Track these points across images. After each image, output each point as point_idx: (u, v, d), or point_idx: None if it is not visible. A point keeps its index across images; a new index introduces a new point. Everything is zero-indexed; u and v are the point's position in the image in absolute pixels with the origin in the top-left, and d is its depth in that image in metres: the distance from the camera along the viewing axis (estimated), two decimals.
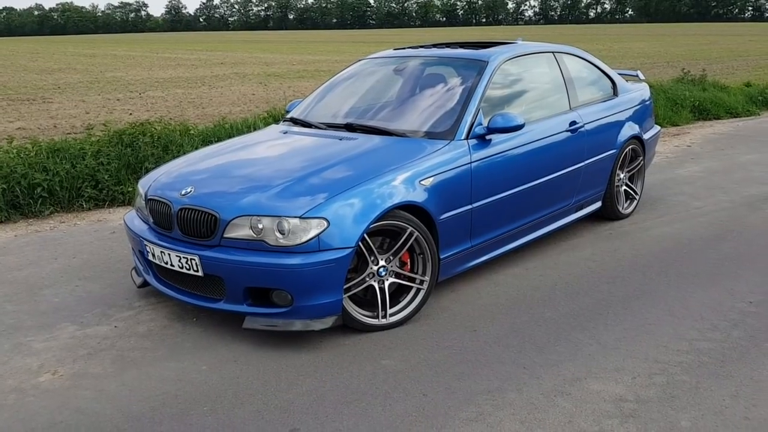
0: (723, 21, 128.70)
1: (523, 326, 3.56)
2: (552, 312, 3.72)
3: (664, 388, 2.94)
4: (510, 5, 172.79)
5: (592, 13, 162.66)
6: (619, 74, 5.67)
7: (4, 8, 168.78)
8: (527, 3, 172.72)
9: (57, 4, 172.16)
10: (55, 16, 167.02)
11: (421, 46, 5.04)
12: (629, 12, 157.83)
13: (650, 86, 11.18)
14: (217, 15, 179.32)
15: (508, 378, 3.04)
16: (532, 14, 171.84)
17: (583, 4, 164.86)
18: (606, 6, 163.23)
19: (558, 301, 3.87)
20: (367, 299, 3.53)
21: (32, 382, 3.09)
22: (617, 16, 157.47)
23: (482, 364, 3.16)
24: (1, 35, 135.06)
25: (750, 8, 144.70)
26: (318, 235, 3.21)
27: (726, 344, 3.33)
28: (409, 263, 3.63)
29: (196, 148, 6.46)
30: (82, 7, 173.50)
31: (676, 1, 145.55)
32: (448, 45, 4.98)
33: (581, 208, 4.96)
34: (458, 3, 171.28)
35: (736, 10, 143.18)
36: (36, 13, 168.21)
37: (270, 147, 4.25)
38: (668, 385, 2.96)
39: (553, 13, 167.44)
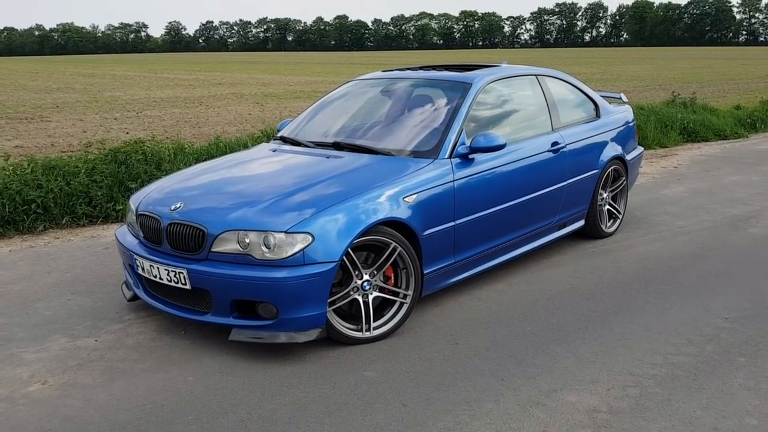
0: (717, 45, 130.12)
1: (503, 340, 3.65)
2: (532, 326, 3.82)
3: (637, 400, 3.02)
4: (506, 29, 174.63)
5: (587, 37, 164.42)
6: (603, 97, 5.81)
7: (5, 28, 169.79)
8: (523, 26, 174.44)
9: (57, 25, 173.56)
10: (56, 36, 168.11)
11: (409, 68, 5.19)
12: (624, 36, 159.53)
13: (641, 108, 11.45)
14: (216, 36, 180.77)
15: (486, 389, 3.13)
16: (528, 38, 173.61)
17: (578, 28, 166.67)
18: (601, 30, 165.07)
19: (538, 315, 3.97)
20: (351, 313, 3.62)
21: (22, 391, 3.17)
22: (612, 40, 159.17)
23: (461, 376, 3.25)
24: (2, 55, 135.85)
25: (744, 32, 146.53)
26: (303, 249, 3.32)
27: (699, 358, 3.42)
28: (393, 278, 3.73)
29: (189, 166, 6.58)
30: (83, 28, 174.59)
31: (670, 25, 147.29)
32: (435, 67, 5.12)
33: (564, 226, 5.07)
34: (455, 26, 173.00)
35: (731, 35, 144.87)
36: (36, 33, 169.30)
37: (259, 165, 4.37)
38: (641, 397, 3.05)
39: (548, 36, 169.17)
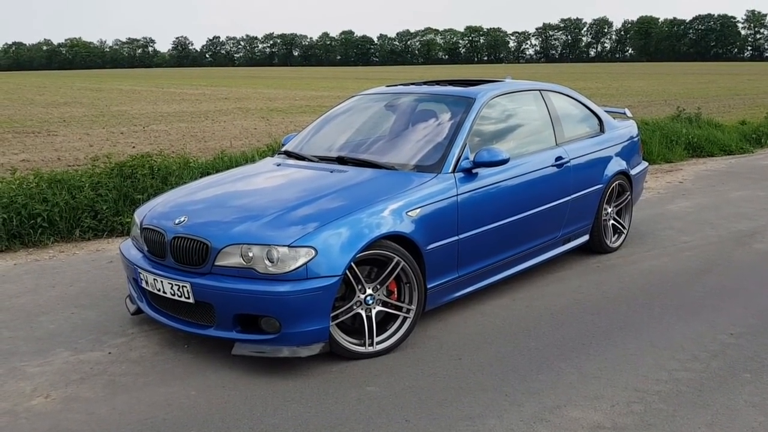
0: (723, 60, 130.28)
1: (507, 355, 3.63)
2: (536, 342, 3.80)
3: (642, 416, 3.00)
4: (511, 44, 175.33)
5: (592, 52, 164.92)
6: (607, 112, 5.82)
7: (14, 43, 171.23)
8: (528, 42, 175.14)
9: (65, 39, 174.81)
10: (64, 51, 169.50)
11: (413, 83, 5.22)
12: (629, 51, 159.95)
13: (646, 123, 11.46)
14: (223, 51, 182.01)
15: (490, 405, 3.11)
16: (533, 53, 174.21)
17: (583, 43, 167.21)
18: (606, 45, 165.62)
19: (543, 331, 3.95)
20: (354, 327, 3.61)
21: (25, 405, 3.16)
22: (617, 55, 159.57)
23: (465, 392, 3.24)
24: (10, 69, 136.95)
25: (749, 48, 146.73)
26: (306, 263, 3.32)
27: (705, 374, 3.40)
28: (396, 292, 3.73)
29: (194, 180, 6.60)
30: (90, 43, 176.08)
31: (676, 41, 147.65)
32: (438, 82, 5.15)
33: (568, 241, 5.06)
34: (460, 42, 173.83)
35: (736, 50, 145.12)
36: (45, 48, 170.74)
37: (263, 179, 4.38)
38: (645, 413, 3.03)
39: (554, 51, 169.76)
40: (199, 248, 3.48)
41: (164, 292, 3.60)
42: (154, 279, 3.63)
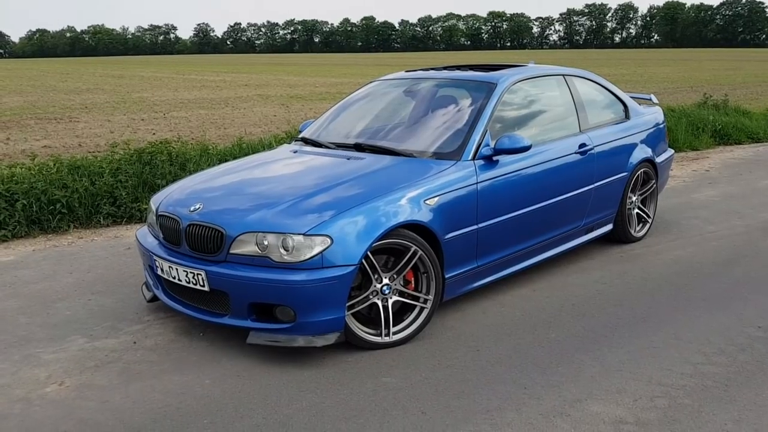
0: (750, 47, 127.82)
1: (527, 347, 3.55)
2: (557, 333, 3.71)
3: (666, 411, 2.91)
4: (535, 30, 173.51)
5: (617, 38, 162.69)
6: (633, 98, 5.67)
7: (38, 30, 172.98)
8: (552, 27, 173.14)
9: (89, 26, 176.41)
10: (87, 38, 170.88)
11: (433, 69, 5.11)
12: (655, 37, 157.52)
13: (671, 110, 11.22)
14: (244, 38, 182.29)
15: (508, 398, 3.04)
16: (557, 38, 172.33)
17: (608, 29, 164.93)
18: (631, 31, 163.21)
19: (563, 322, 3.86)
20: (370, 317, 3.55)
21: (39, 392, 3.15)
22: (642, 41, 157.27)
23: (483, 384, 3.16)
24: (35, 56, 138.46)
25: None
26: (321, 252, 3.26)
27: (731, 368, 3.29)
28: (413, 282, 3.66)
29: (212, 167, 6.58)
30: (113, 30, 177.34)
31: (702, 27, 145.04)
32: (459, 67, 5.04)
33: (591, 230, 4.95)
34: (483, 27, 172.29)
35: (764, 36, 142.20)
36: (68, 35, 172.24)
37: (280, 166, 4.32)
38: (670, 408, 2.93)
39: (578, 37, 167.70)
40: (214, 236, 3.43)
41: (179, 280, 3.56)
42: (170, 266, 3.60)
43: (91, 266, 4.97)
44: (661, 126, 5.74)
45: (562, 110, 4.80)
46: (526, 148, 3.98)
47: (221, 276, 3.36)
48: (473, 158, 3.94)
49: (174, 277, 3.60)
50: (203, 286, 3.44)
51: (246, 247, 3.34)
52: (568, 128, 4.71)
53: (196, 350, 3.56)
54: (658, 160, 5.53)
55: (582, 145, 4.65)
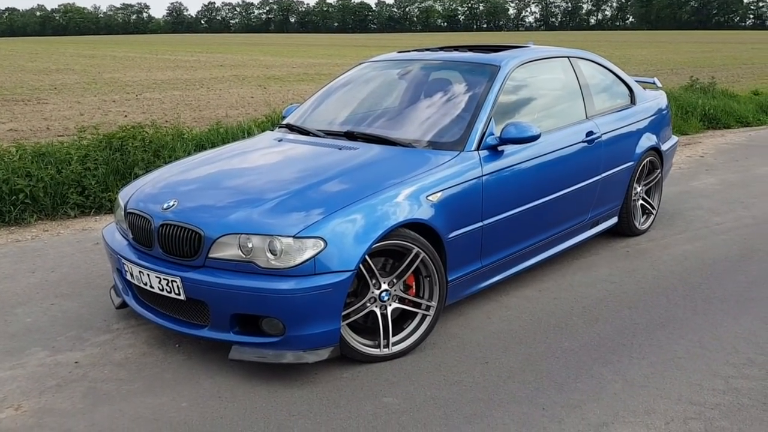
0: (724, 29, 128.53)
1: (539, 358, 3.22)
2: (570, 341, 3.39)
3: None
4: (511, 11, 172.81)
5: (592, 20, 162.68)
6: (637, 81, 5.34)
7: (7, 9, 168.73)
8: (528, 9, 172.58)
9: (59, 5, 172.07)
10: (57, 17, 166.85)
11: (427, 49, 4.71)
12: (630, 19, 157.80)
13: None
14: (218, 17, 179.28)
15: (526, 421, 2.71)
16: (532, 20, 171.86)
17: (583, 11, 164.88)
18: (607, 13, 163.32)
19: (575, 328, 3.54)
20: (367, 326, 3.19)
21: None
22: (618, 23, 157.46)
23: (495, 404, 2.83)
24: (4, 35, 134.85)
25: (751, 16, 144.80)
26: (314, 256, 2.88)
27: (766, 383, 2.99)
28: (414, 287, 3.30)
29: (189, 154, 6.14)
30: (84, 8, 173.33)
31: (677, 9, 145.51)
32: (457, 48, 4.65)
33: (597, 224, 4.63)
34: (459, 8, 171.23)
35: (737, 18, 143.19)
36: (38, 13, 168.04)
37: (263, 156, 3.92)
38: None
39: (554, 19, 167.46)
40: (191, 237, 3.03)
41: (151, 287, 3.16)
42: (140, 272, 3.19)
43: (56, 264, 4.55)
44: (665, 112, 5.42)
45: (567, 95, 4.44)
46: (535, 137, 3.62)
47: (199, 284, 2.96)
48: (477, 148, 3.58)
49: (145, 284, 3.20)
50: (178, 294, 3.05)
51: (227, 250, 2.95)
52: (574, 115, 4.36)
53: (171, 365, 3.18)
54: (664, 147, 5.22)
55: (589, 133, 4.31)
